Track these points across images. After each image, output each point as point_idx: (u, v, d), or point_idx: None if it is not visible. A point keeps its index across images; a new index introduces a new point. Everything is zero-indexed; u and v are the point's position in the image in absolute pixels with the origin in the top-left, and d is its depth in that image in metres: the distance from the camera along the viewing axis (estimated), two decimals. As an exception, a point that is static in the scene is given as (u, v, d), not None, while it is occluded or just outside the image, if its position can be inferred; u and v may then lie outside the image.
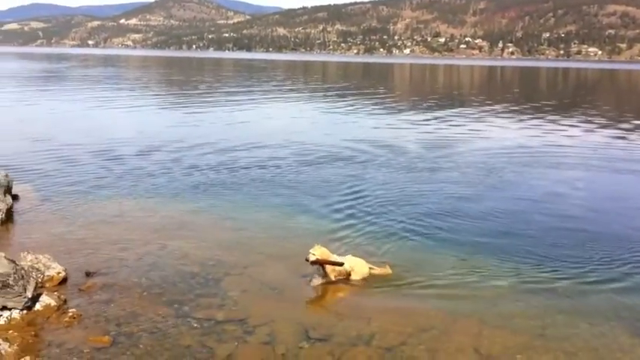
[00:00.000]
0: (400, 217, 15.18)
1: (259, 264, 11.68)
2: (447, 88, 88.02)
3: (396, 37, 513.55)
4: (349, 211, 15.70)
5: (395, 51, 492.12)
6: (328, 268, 10.76)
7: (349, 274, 10.91)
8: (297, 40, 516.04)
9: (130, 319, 9.12)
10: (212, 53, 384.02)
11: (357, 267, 11.03)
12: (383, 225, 14.51)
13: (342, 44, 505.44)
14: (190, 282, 10.67)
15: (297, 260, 11.37)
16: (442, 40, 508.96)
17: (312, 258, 10.59)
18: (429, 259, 12.23)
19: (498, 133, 33.30)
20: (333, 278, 10.78)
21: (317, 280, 10.84)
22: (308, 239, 12.85)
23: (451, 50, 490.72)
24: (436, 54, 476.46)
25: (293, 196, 17.58)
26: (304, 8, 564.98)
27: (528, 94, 78.12)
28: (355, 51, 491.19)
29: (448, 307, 9.96)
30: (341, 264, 10.82)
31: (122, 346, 8.36)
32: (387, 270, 11.35)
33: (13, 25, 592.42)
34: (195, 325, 9.05)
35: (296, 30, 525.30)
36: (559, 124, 38.38)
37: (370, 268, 11.18)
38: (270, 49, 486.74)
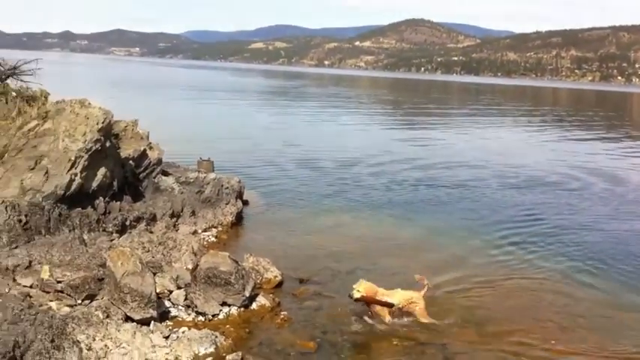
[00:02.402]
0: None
1: (467, 289, 11.47)
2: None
3: (637, 65, 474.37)
4: (554, 243, 15.10)
5: (635, 80, 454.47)
6: (377, 307, 9.66)
7: (403, 308, 9.79)
8: (527, 65, 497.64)
9: (335, 329, 9.42)
10: (439, 76, 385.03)
11: (414, 299, 9.86)
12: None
13: (576, 71, 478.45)
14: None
15: (504, 288, 11.37)
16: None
17: (356, 295, 9.45)
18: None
19: None
20: (387, 318, 9.67)
21: (360, 324, 9.65)
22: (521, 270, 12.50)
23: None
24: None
25: (496, 217, 17.57)
26: (537, 33, 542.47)
27: None
28: (590, 78, 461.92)
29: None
30: (391, 305, 9.60)
31: (325, 353, 8.68)
32: (424, 282, 10.27)
33: (259, 45, 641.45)
34: (396, 342, 9.12)
35: (527, 55, 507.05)
36: None
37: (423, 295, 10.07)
38: (499, 74, 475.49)
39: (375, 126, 45.59)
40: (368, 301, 9.60)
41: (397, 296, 9.76)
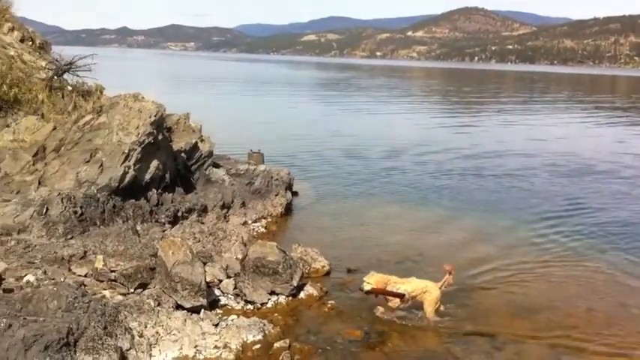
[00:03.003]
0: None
1: (516, 282, 11.32)
2: None
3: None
4: (604, 231, 14.81)
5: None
6: (391, 298, 9.50)
7: (417, 297, 9.52)
8: (584, 52, 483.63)
9: (382, 318, 9.44)
10: (493, 65, 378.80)
11: (428, 288, 9.55)
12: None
13: (635, 57, 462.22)
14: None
15: (555, 278, 11.31)
16: None
17: (366, 287, 9.37)
18: None
19: None
20: (396, 305, 9.47)
21: (407, 314, 9.53)
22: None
23: None
24: None
25: (546, 205, 17.42)
26: (595, 19, 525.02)
27: None
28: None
29: None
30: (402, 295, 9.39)
31: (372, 342, 8.71)
32: (447, 274, 9.87)
33: (312, 37, 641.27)
34: (444, 332, 9.09)
35: (584, 42, 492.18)
36: None
37: (440, 287, 9.75)
38: (555, 62, 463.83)
39: (423, 116, 45.28)
40: (380, 293, 9.50)
41: (410, 285, 9.59)
